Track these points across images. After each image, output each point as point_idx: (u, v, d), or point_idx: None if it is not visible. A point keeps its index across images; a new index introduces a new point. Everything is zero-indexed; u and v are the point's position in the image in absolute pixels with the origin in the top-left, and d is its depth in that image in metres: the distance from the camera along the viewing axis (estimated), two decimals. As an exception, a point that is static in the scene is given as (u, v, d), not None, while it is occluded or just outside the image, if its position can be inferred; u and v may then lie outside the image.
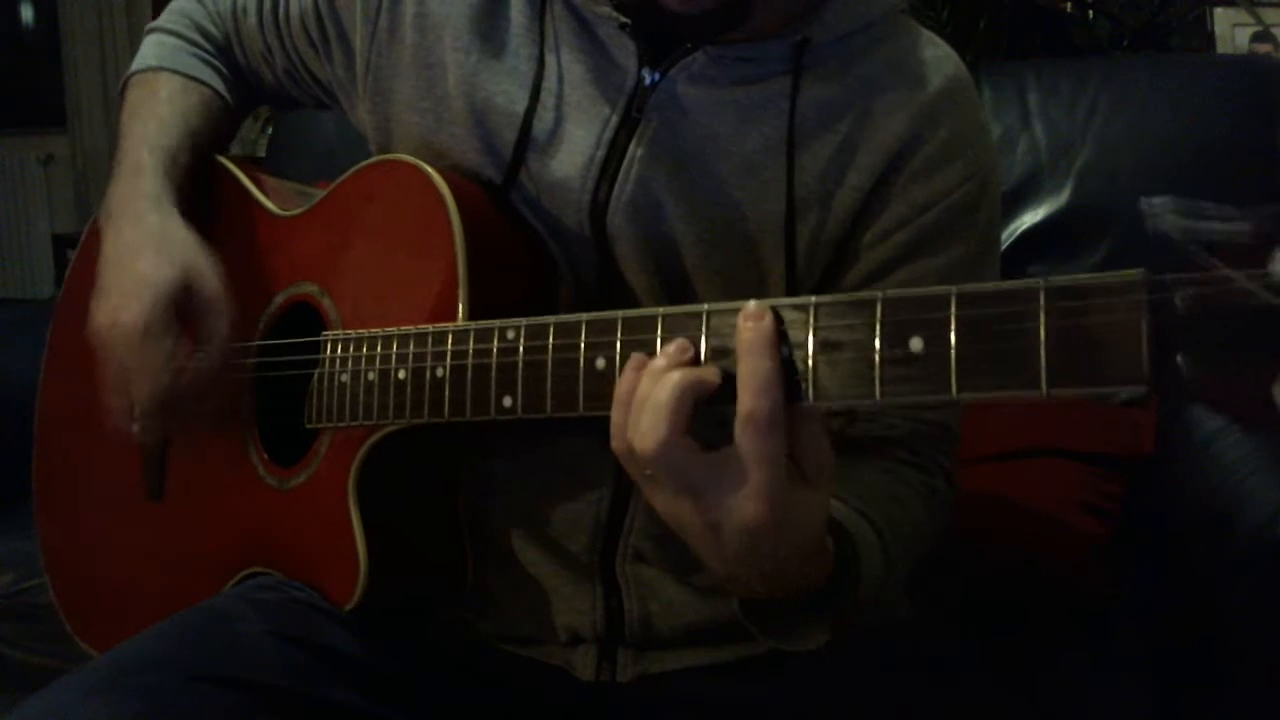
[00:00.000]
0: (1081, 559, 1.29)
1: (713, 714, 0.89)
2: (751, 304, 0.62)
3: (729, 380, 0.63)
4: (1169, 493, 1.26)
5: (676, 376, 0.63)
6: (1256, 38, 2.51)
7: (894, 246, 0.86)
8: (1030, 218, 1.51)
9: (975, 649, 1.06)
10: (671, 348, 0.65)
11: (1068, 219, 1.50)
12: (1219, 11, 2.56)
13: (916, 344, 0.58)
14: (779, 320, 0.62)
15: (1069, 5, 2.31)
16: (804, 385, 0.61)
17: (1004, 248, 1.48)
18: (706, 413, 0.64)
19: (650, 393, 0.64)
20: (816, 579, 0.71)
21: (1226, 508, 1.07)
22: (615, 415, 0.66)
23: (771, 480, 0.62)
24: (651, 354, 0.66)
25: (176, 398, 0.90)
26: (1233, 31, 2.56)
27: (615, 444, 0.66)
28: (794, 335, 0.62)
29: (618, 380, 0.67)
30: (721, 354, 0.65)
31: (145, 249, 0.92)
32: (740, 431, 0.62)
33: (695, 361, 0.65)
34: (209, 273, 0.93)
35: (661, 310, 0.67)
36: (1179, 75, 1.55)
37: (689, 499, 0.64)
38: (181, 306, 0.91)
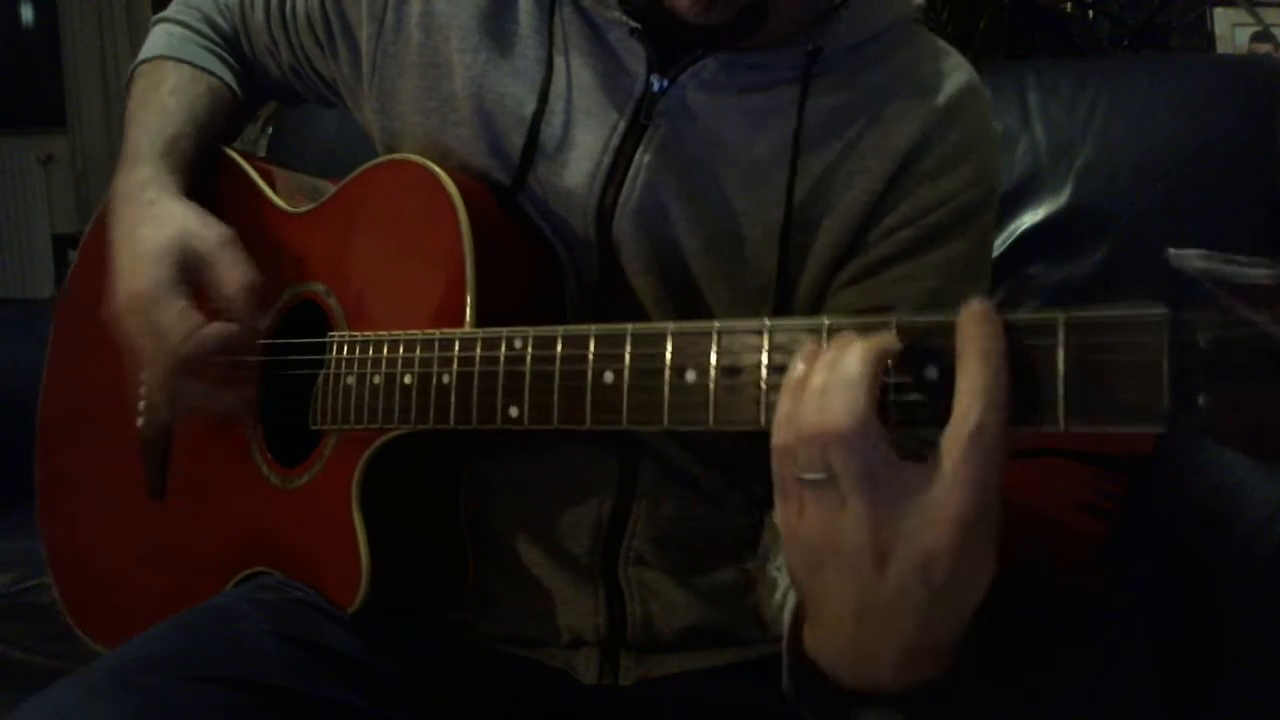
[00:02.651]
0: (1081, 559, 1.29)
1: (714, 717, 0.89)
2: (978, 302, 0.55)
3: (934, 385, 0.57)
4: (1169, 493, 1.26)
5: (861, 345, 0.57)
6: (1256, 38, 2.51)
7: (896, 243, 0.86)
8: (1030, 218, 1.50)
9: (974, 649, 1.06)
10: (840, 337, 0.58)
11: (1068, 219, 1.49)
12: (1219, 11, 2.55)
13: (931, 372, 0.57)
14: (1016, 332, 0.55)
15: (1069, 5, 2.31)
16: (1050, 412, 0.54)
17: (1004, 248, 1.48)
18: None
19: (832, 371, 0.56)
20: (944, 663, 0.60)
21: (1226, 508, 1.07)
22: (784, 404, 0.58)
23: (972, 509, 0.53)
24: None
25: (197, 362, 0.89)
26: (1233, 31, 2.56)
27: (781, 437, 0.58)
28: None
29: (626, 391, 0.67)
30: (732, 373, 0.64)
31: (142, 224, 0.93)
32: (959, 445, 0.53)
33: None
34: (207, 229, 0.92)
35: (672, 326, 0.67)
36: (1179, 75, 1.55)
37: (865, 502, 0.54)
38: (189, 269, 0.90)
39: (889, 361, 0.57)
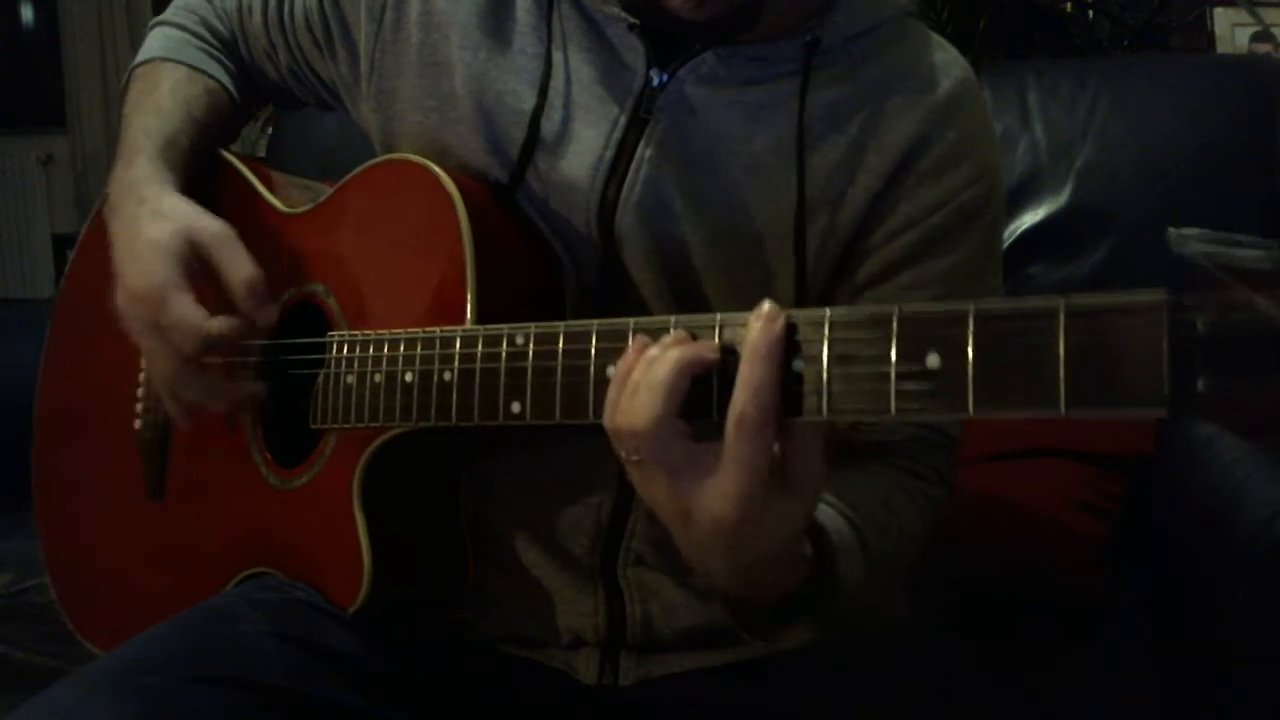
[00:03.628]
0: (1081, 559, 1.29)
1: (714, 717, 0.89)
2: (766, 304, 0.62)
3: (727, 381, 0.63)
4: (1169, 493, 1.26)
5: (675, 353, 0.64)
6: (1256, 38, 2.51)
7: (901, 247, 0.86)
8: (1030, 218, 1.51)
9: (974, 649, 1.06)
10: (669, 337, 0.66)
11: (1068, 219, 1.50)
12: (1219, 11, 2.55)
13: (933, 360, 0.57)
14: (792, 329, 0.61)
15: (1069, 5, 2.31)
16: (809, 401, 0.61)
17: (1004, 248, 1.48)
18: (703, 423, 0.65)
19: (647, 371, 0.64)
20: (787, 581, 0.72)
21: (1226, 508, 1.07)
22: (611, 393, 0.67)
23: (745, 484, 0.62)
24: None
25: (211, 350, 0.89)
26: (1233, 31, 2.56)
27: (607, 422, 0.67)
28: (808, 349, 0.61)
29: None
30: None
31: (143, 219, 0.93)
32: (728, 430, 0.62)
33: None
34: (208, 222, 0.92)
35: (674, 318, 0.67)
36: (1179, 75, 1.56)
37: (665, 481, 0.65)
38: (192, 263, 0.90)
39: (701, 373, 0.64)
